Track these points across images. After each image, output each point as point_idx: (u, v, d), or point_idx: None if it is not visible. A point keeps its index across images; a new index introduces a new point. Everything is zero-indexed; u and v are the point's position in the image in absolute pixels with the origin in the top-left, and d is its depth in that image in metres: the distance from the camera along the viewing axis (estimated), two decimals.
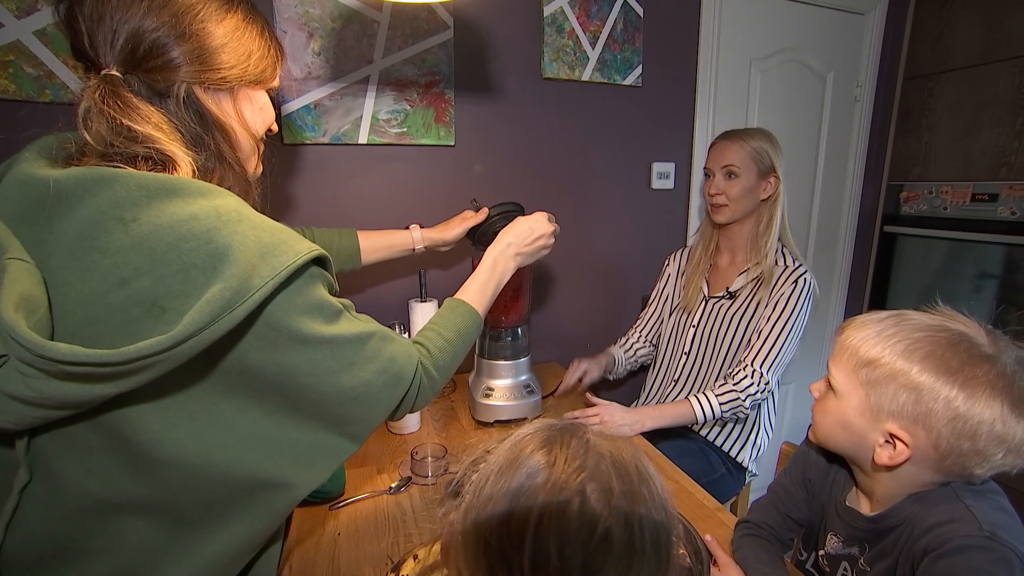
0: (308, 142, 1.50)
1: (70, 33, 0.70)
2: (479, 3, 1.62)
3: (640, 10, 1.77)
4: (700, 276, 1.68)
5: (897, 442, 0.76)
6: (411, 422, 1.44)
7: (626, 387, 2.01)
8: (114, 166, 0.66)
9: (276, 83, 0.85)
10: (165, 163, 0.70)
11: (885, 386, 0.75)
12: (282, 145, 1.49)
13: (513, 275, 1.28)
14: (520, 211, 1.32)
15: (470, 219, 1.35)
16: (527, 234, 1.15)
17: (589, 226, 1.85)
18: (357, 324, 0.77)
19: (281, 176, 1.51)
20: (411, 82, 1.58)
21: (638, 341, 1.80)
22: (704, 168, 1.61)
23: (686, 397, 1.53)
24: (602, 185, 1.83)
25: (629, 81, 1.78)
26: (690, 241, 1.90)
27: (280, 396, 0.71)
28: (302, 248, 0.68)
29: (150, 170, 0.68)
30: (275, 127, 0.88)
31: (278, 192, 1.51)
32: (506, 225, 1.21)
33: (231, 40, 0.76)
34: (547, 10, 1.67)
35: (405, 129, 1.59)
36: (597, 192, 1.83)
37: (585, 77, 1.73)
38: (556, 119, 1.75)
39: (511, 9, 1.65)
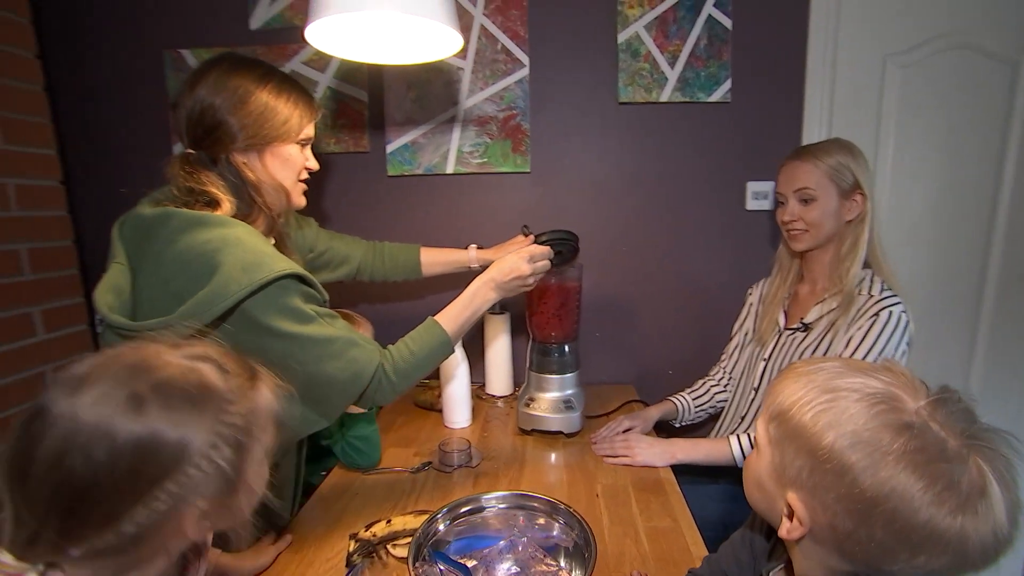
0: (406, 174, 1.85)
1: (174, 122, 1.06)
2: (553, 40, 1.81)
3: (728, 23, 1.80)
4: (777, 306, 1.58)
5: (794, 514, 0.66)
6: (461, 418, 1.66)
7: (703, 431, 1.98)
8: (177, 207, 0.99)
9: (305, 135, 1.09)
10: (212, 204, 1.02)
11: (787, 445, 0.65)
12: (387, 177, 1.86)
13: (559, 292, 1.47)
14: (569, 239, 1.43)
15: (519, 244, 1.50)
16: (506, 271, 1.23)
17: (675, 249, 1.89)
18: (327, 329, 1.00)
19: (385, 202, 1.87)
20: (491, 117, 1.85)
21: (717, 386, 1.73)
22: (775, 193, 1.54)
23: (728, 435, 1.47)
24: (688, 207, 1.87)
25: (716, 97, 1.83)
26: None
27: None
28: (277, 267, 0.93)
29: (201, 209, 0.99)
30: (313, 165, 1.14)
31: (384, 214, 1.86)
32: (559, 250, 1.33)
33: (255, 117, 1.04)
34: (621, 37, 1.81)
35: (486, 159, 1.86)
36: (683, 214, 1.87)
37: (664, 98, 1.83)
38: (634, 142, 1.85)
39: (584, 42, 1.81)
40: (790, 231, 1.49)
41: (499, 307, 1.83)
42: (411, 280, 1.64)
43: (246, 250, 0.92)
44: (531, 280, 1.25)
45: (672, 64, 1.81)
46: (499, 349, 1.81)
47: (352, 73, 1.83)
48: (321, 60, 1.82)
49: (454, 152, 1.84)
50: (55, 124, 1.81)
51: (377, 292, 1.94)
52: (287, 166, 1.10)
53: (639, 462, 1.40)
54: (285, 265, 0.93)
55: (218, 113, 1.02)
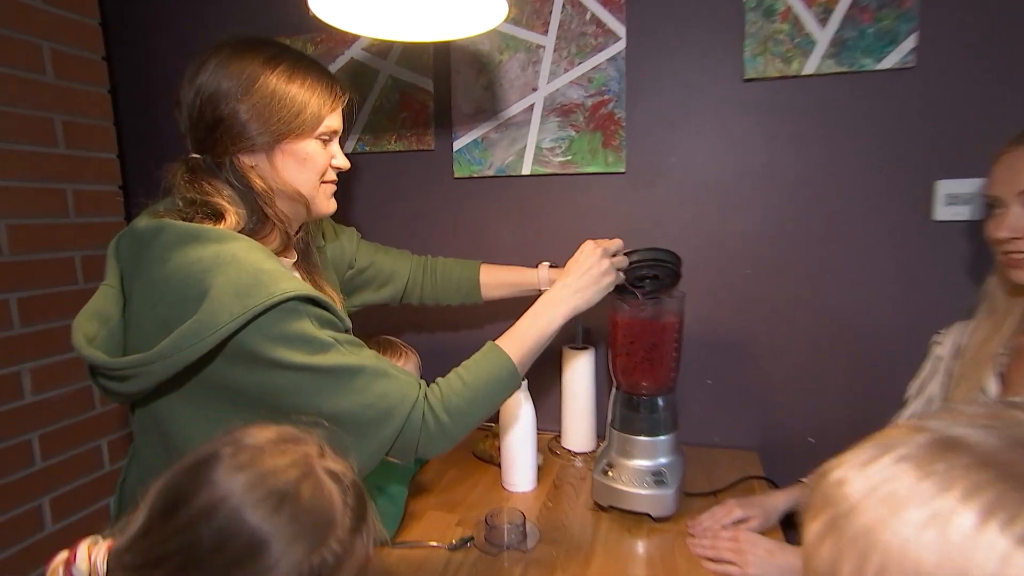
0: (475, 175, 1.60)
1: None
2: (656, 3, 1.47)
3: None
4: (985, 366, 1.11)
5: None
6: (522, 478, 1.38)
7: None
8: (172, 218, 0.89)
9: (327, 127, 0.95)
10: (216, 216, 0.91)
11: None
12: (453, 180, 1.62)
13: (651, 330, 1.19)
14: (667, 261, 1.18)
15: None
16: (577, 269, 1.08)
17: (822, 274, 1.45)
18: (347, 357, 0.86)
19: (449, 209, 1.64)
20: (577, 105, 1.54)
21: None
22: (985, 196, 1.09)
23: None
24: (843, 217, 1.42)
25: (891, 63, 1.36)
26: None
27: (272, 409, 0.84)
28: (277, 289, 0.81)
29: (202, 221, 0.89)
30: (341, 164, 0.99)
31: (446, 223, 1.63)
32: (653, 274, 1.12)
33: (262, 108, 0.91)
34: None
35: (570, 157, 1.55)
36: (835, 226, 1.43)
37: (809, 70, 1.40)
38: (764, 131, 1.45)
39: (698, 2, 1.45)
40: (1011, 253, 1.05)
41: (581, 339, 1.49)
42: (469, 305, 1.41)
43: (241, 270, 0.82)
44: (606, 282, 1.08)
45: (823, 21, 1.37)
46: (581, 391, 1.50)
47: (416, 58, 1.61)
48: (382, 46, 1.63)
49: (531, 149, 1.56)
50: (117, 127, 1.78)
51: (429, 318, 1.70)
52: (306, 166, 0.96)
53: None
54: (289, 286, 0.82)
55: (219, 106, 0.91)
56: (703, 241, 1.49)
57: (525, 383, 1.35)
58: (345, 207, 1.67)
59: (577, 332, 1.52)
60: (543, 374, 1.62)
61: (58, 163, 1.58)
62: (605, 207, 1.57)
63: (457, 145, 1.61)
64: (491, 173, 1.60)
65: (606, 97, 1.52)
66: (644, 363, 1.27)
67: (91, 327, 0.89)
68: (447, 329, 1.73)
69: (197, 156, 0.93)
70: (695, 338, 1.53)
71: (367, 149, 1.66)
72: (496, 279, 1.37)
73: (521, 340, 1.02)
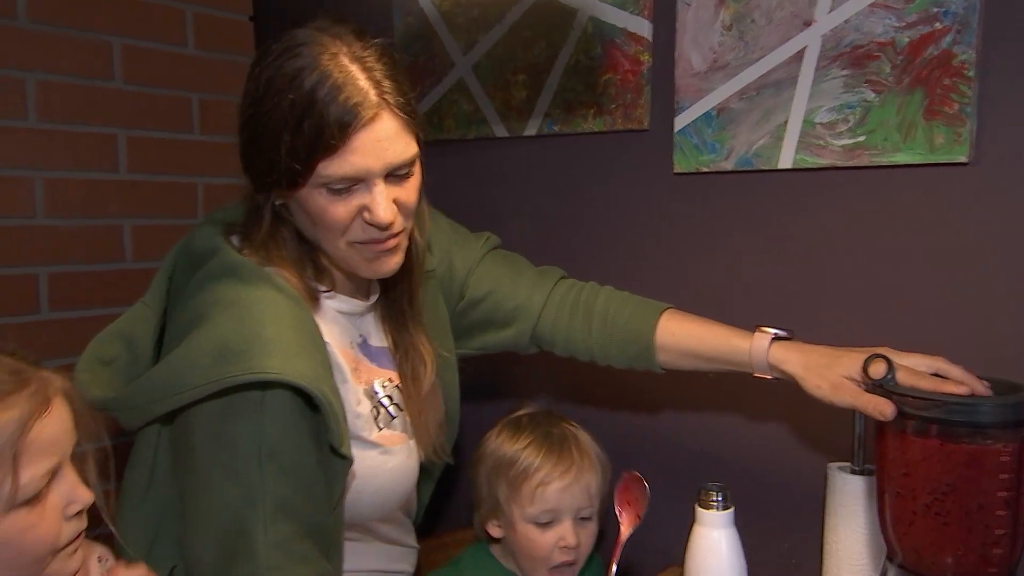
0: (705, 169, 1.19)
1: None
2: None
3: None
4: None
5: None
6: None
7: None
8: (229, 239, 0.91)
9: (329, 176, 0.83)
10: (254, 238, 0.91)
11: None
12: (672, 176, 1.24)
13: (968, 470, 0.78)
14: (980, 407, 0.78)
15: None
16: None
17: None
18: (276, 530, 0.79)
19: (665, 222, 1.27)
20: (881, 45, 1.03)
21: None
22: None
23: None
24: None
25: None
26: None
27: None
28: (257, 366, 0.76)
29: (249, 241, 0.91)
30: (376, 220, 0.86)
31: (659, 245, 1.28)
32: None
33: (245, 149, 0.87)
34: None
35: (862, 138, 1.06)
36: None
37: None
38: None
39: None
40: None
41: (861, 457, 0.98)
42: (640, 370, 1.08)
43: (242, 324, 0.80)
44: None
45: None
46: (850, 535, 0.99)
47: None
48: None
49: (796, 125, 1.10)
50: None
51: (598, 381, 1.26)
52: (316, 224, 0.88)
53: None
54: (282, 367, 0.78)
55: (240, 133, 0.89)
56: None
57: (728, 511, 0.89)
58: (510, 217, 1.40)
59: (854, 442, 0.97)
60: (777, 493, 1.14)
61: (191, 152, 1.54)
62: (930, 226, 1.02)
63: (681, 122, 1.21)
64: (729, 166, 1.17)
65: (937, 27, 0.98)
66: (950, 526, 0.78)
67: (111, 348, 0.91)
68: (623, 408, 1.30)
69: (258, 194, 0.91)
70: None
71: (556, 129, 1.34)
72: (684, 343, 1.02)
73: None
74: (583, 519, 1.06)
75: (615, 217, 1.32)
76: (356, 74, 0.81)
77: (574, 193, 1.36)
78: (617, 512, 1.03)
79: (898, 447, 0.82)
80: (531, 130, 1.36)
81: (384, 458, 0.94)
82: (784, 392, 1.09)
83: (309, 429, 0.82)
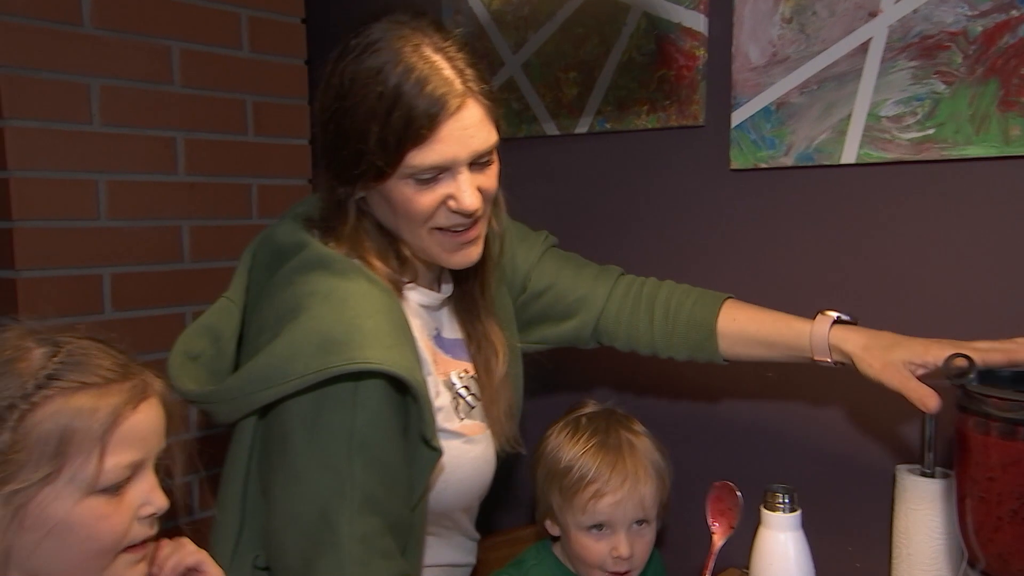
0: (764, 164, 1.18)
1: None
2: None
3: None
4: None
5: None
6: None
7: None
8: (312, 232, 0.92)
9: (415, 166, 0.85)
10: (338, 232, 0.93)
11: None
12: (729, 172, 1.22)
13: None
14: None
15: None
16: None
17: None
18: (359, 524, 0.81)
19: (723, 219, 1.24)
20: (952, 35, 1.01)
21: None
22: None
23: None
24: None
25: None
26: None
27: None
28: (359, 356, 0.79)
29: (330, 236, 0.92)
30: (461, 204, 0.88)
31: (716, 242, 1.26)
32: None
33: (327, 142, 0.89)
34: None
35: (932, 131, 1.04)
36: None
37: None
38: None
39: None
40: None
41: (932, 459, 0.96)
42: (703, 362, 1.08)
43: (342, 315, 0.82)
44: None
45: None
46: (922, 540, 0.97)
47: None
48: None
49: (861, 119, 1.08)
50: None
51: (660, 379, 1.27)
52: (397, 212, 0.90)
53: None
54: (382, 357, 0.80)
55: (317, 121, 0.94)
56: None
57: (795, 514, 0.88)
58: (561, 216, 1.38)
59: (924, 444, 0.95)
60: (844, 494, 1.11)
61: (246, 153, 1.56)
62: (1001, 225, 0.99)
63: (738, 117, 1.19)
64: (790, 162, 1.15)
65: (1013, 15, 0.96)
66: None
67: (198, 343, 0.94)
68: (683, 397, 1.28)
69: (342, 189, 0.93)
70: None
71: (607, 127, 1.33)
72: (744, 328, 1.02)
73: None
74: (639, 524, 1.05)
75: (669, 215, 1.30)
76: (440, 64, 0.83)
77: (627, 191, 1.35)
78: (710, 523, 1.02)
79: (982, 450, 0.80)
80: (582, 128, 1.35)
81: (467, 447, 0.96)
82: (849, 391, 1.07)
83: (398, 422, 0.84)
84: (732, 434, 1.24)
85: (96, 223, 1.35)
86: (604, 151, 1.35)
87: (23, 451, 0.63)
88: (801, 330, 0.96)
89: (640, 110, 1.29)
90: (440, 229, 0.89)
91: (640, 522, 1.05)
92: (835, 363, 0.93)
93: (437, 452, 0.86)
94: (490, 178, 0.91)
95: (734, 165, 1.20)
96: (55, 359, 0.67)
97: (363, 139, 0.83)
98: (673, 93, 1.25)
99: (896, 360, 0.86)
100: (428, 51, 0.84)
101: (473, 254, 0.93)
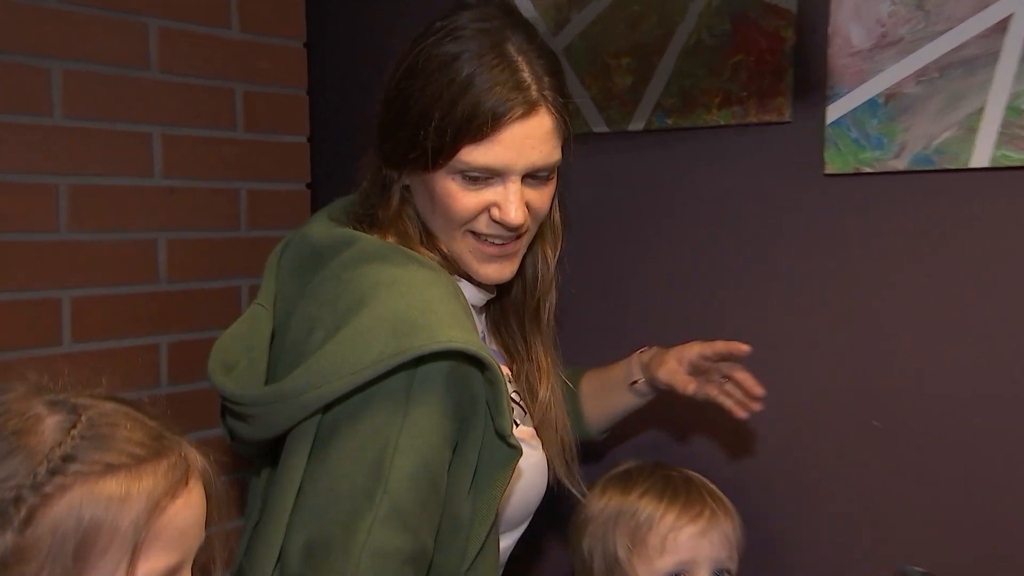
0: (869, 169, 1.10)
1: None
2: None
3: None
4: None
5: None
6: None
7: None
8: (362, 229, 0.94)
9: (469, 163, 0.88)
10: (383, 228, 0.95)
11: None
12: (823, 178, 1.15)
13: None
14: None
15: None
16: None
17: None
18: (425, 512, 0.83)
19: (814, 236, 1.16)
20: None
21: None
22: None
23: None
24: None
25: None
26: None
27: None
28: (443, 336, 0.79)
29: (373, 230, 0.95)
30: (505, 218, 0.91)
31: (804, 267, 1.18)
32: None
33: (384, 123, 0.93)
34: None
35: None
36: None
37: None
38: None
39: None
40: None
41: None
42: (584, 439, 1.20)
43: (411, 302, 0.83)
44: None
45: None
46: None
47: None
48: None
49: (996, 113, 1.01)
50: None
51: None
52: (437, 208, 0.93)
53: None
54: (465, 339, 0.81)
55: (379, 103, 0.96)
56: None
57: None
58: (611, 231, 1.33)
59: None
60: None
61: (235, 152, 1.47)
62: None
63: (836, 111, 1.12)
64: (902, 165, 1.08)
65: None
66: None
67: (233, 352, 0.94)
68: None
69: (384, 171, 0.98)
70: None
71: (669, 123, 1.26)
72: (593, 388, 1.19)
73: None
74: (722, 572, 1.00)
75: (747, 231, 1.22)
76: (520, 65, 0.86)
77: (692, 203, 1.27)
78: None
79: None
80: (638, 124, 1.28)
81: (528, 451, 0.96)
82: None
83: (452, 429, 0.85)
84: (812, 494, 1.15)
85: (55, 236, 1.25)
86: (664, 152, 1.29)
87: (31, 560, 0.55)
88: (624, 368, 1.13)
89: (711, 103, 1.23)
90: (475, 234, 0.92)
91: (724, 569, 1.01)
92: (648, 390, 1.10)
93: (516, 450, 0.85)
94: (542, 196, 0.93)
95: (829, 169, 1.13)
96: (74, 431, 0.58)
97: (423, 123, 0.86)
98: (753, 83, 1.20)
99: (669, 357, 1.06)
100: (510, 49, 0.87)
101: (505, 271, 0.96)
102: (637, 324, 1.26)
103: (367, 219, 0.97)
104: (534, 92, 0.87)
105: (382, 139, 0.95)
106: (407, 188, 0.96)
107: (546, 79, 0.89)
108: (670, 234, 1.28)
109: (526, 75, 0.87)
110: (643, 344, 1.14)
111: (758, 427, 1.19)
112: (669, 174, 1.28)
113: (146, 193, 1.34)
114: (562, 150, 0.93)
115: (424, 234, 0.97)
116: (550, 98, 0.88)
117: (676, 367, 1.05)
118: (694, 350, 1.05)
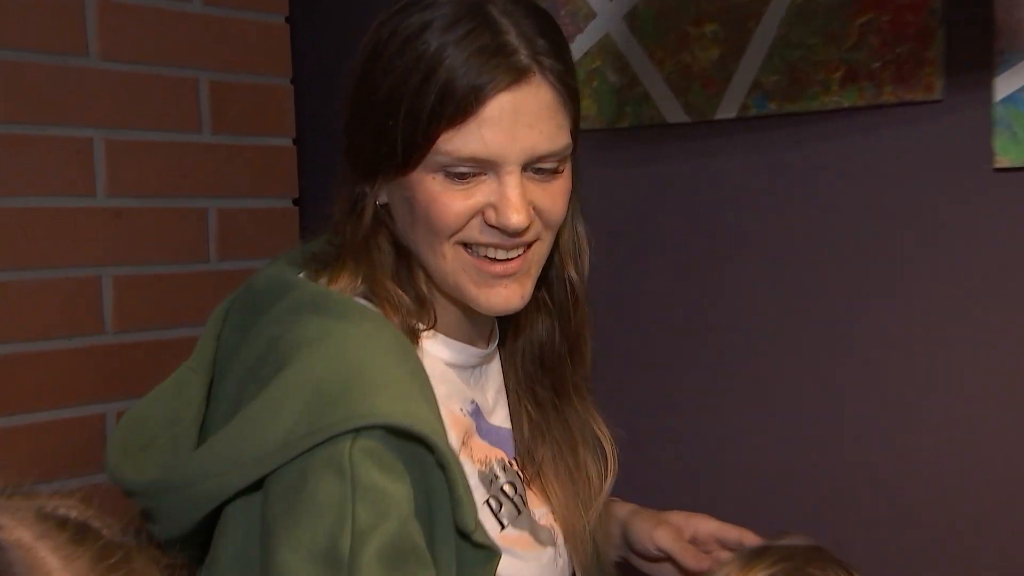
0: None
1: None
2: None
3: None
4: None
5: None
6: None
7: None
8: (316, 267, 0.90)
9: (451, 154, 0.82)
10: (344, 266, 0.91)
11: None
12: (992, 174, 1.00)
13: None
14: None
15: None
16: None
17: None
18: None
19: (988, 242, 1.03)
20: None
21: None
22: None
23: None
24: None
25: None
26: None
27: None
28: (363, 408, 0.75)
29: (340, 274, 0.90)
30: (503, 223, 0.83)
31: (983, 267, 1.05)
32: None
33: (352, 117, 0.89)
34: None
35: None
36: None
37: None
38: None
39: None
40: None
41: None
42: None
43: (339, 362, 0.78)
44: None
45: None
46: None
47: None
48: None
49: None
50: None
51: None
52: (415, 215, 0.85)
53: None
54: (390, 407, 0.76)
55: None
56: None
57: None
58: (697, 245, 1.22)
59: None
60: None
61: (200, 160, 1.37)
62: None
63: (1008, 85, 0.99)
64: None
65: None
66: None
67: (148, 428, 0.89)
68: None
69: (359, 189, 0.92)
70: None
71: (771, 108, 1.12)
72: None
73: None
74: None
75: (887, 240, 1.09)
76: (504, 27, 0.80)
77: (807, 209, 1.14)
78: None
79: None
80: (729, 110, 1.15)
81: (518, 565, 0.90)
82: None
83: (416, 504, 0.81)
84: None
85: None
86: (766, 147, 1.17)
87: None
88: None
89: (830, 79, 1.08)
90: (468, 247, 0.84)
91: None
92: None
93: (488, 551, 0.78)
94: (552, 196, 0.84)
95: (1001, 161, 0.99)
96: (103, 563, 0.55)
97: (391, 112, 0.81)
98: (887, 50, 1.06)
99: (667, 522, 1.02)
100: (492, 11, 0.81)
101: (513, 297, 0.85)
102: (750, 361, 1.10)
103: (328, 254, 0.90)
104: (523, 56, 0.78)
105: (347, 143, 0.89)
106: (385, 208, 0.89)
107: (540, 41, 0.80)
108: (778, 258, 1.12)
109: (511, 37, 0.79)
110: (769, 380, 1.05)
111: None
112: (773, 175, 1.14)
113: (87, 216, 1.25)
114: (573, 128, 0.85)
115: (403, 267, 0.90)
116: (546, 64, 0.79)
117: (677, 536, 1.00)
118: (710, 527, 1.00)
